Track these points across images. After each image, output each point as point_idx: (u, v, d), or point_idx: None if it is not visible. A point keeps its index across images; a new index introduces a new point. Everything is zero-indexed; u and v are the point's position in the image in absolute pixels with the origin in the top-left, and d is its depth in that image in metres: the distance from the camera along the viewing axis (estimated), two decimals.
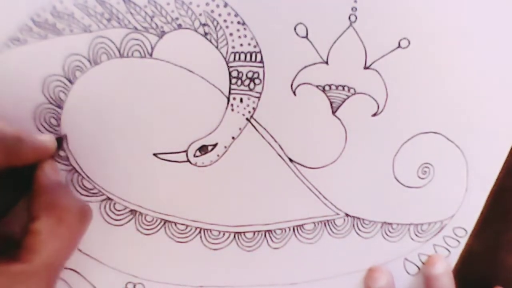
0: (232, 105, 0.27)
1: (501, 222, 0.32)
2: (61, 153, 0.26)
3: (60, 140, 0.26)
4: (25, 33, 0.25)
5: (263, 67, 0.27)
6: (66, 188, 0.25)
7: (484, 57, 0.28)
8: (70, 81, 0.25)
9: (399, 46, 0.27)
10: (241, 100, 0.27)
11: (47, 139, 0.24)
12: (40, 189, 0.23)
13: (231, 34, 0.26)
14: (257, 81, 0.27)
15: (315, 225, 0.30)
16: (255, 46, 0.26)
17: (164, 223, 0.28)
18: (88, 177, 0.27)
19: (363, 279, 0.32)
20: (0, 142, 0.21)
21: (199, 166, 0.28)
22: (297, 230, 0.30)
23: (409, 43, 0.27)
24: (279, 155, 0.28)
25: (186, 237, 0.29)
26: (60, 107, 0.26)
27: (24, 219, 0.23)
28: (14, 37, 0.25)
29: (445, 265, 0.32)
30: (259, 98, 0.27)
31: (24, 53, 0.25)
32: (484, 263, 0.33)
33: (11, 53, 0.25)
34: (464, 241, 0.32)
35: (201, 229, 0.29)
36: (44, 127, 0.26)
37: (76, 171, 0.27)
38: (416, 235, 0.31)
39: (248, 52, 0.26)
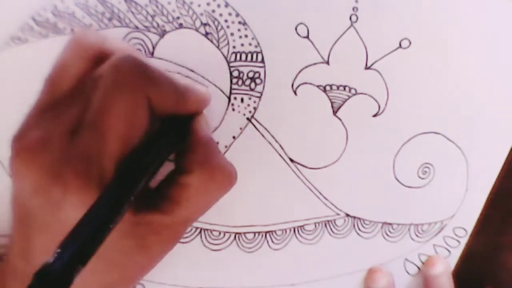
0: (232, 104, 0.27)
1: (501, 222, 0.32)
2: None
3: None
4: (26, 32, 0.25)
5: (264, 67, 0.27)
6: (217, 145, 0.24)
7: (484, 57, 0.28)
8: None
9: (400, 46, 0.27)
10: (242, 100, 0.27)
11: (205, 91, 0.24)
12: (197, 142, 0.22)
13: (232, 34, 0.26)
14: (258, 81, 0.27)
15: (315, 226, 0.30)
16: (256, 46, 0.26)
17: None
18: None
19: (363, 279, 0.32)
20: (174, 91, 0.21)
21: None
22: (298, 230, 0.30)
23: (410, 43, 0.27)
24: (280, 155, 0.28)
25: (187, 237, 0.29)
26: None
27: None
28: (15, 36, 0.25)
29: (445, 265, 0.32)
30: (260, 98, 0.27)
31: (25, 52, 0.25)
32: (484, 263, 0.33)
33: (12, 52, 0.25)
34: (464, 241, 0.32)
35: (201, 229, 0.29)
36: None
37: None
38: (416, 235, 0.31)
39: (249, 52, 0.26)
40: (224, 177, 0.23)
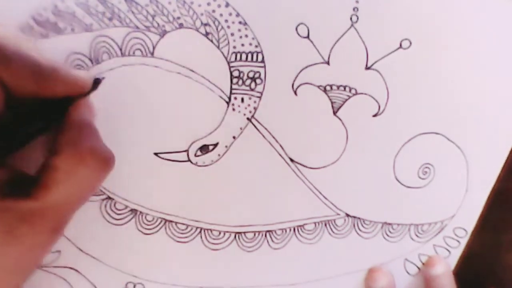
0: (233, 104, 0.27)
1: (501, 222, 0.32)
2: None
3: (98, 82, 0.23)
4: (27, 31, 0.25)
5: (264, 67, 0.27)
6: (94, 129, 0.23)
7: (485, 58, 0.28)
8: None
9: (400, 46, 0.27)
10: (242, 100, 0.27)
11: (83, 75, 0.22)
12: (69, 124, 0.22)
13: (232, 34, 0.26)
14: (258, 81, 0.27)
15: (315, 225, 0.30)
16: (256, 46, 0.26)
17: (165, 222, 0.28)
18: None
19: (363, 279, 0.32)
20: (32, 68, 0.20)
21: (200, 166, 0.28)
22: (298, 230, 0.30)
23: (410, 43, 0.27)
24: (280, 155, 0.28)
25: (187, 237, 0.29)
26: None
27: (41, 157, 0.22)
28: None
29: (445, 265, 0.32)
30: (260, 98, 0.27)
31: None
32: (484, 263, 0.33)
33: None
34: (464, 241, 0.32)
35: (201, 229, 0.29)
36: None
37: None
38: (417, 235, 0.31)
39: (249, 52, 0.26)
40: (96, 161, 0.22)
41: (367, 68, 0.27)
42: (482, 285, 0.34)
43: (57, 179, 0.21)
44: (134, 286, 0.29)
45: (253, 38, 0.26)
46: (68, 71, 0.22)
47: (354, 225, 0.30)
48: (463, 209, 0.31)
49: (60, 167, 0.21)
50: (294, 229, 0.30)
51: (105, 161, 0.22)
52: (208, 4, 0.25)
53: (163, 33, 0.25)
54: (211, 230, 0.29)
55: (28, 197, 0.20)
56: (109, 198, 0.28)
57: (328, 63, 0.27)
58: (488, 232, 0.32)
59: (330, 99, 0.28)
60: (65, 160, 0.21)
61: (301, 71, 0.27)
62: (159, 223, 0.28)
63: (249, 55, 0.26)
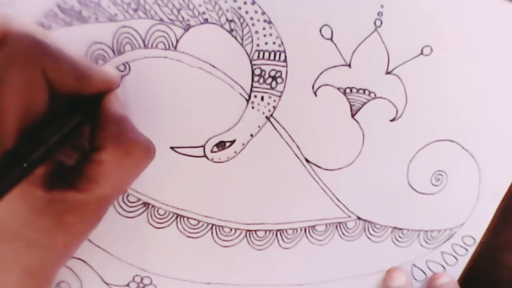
0: (252, 102, 0.27)
1: (501, 222, 0.32)
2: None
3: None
4: (50, 19, 0.24)
5: (286, 66, 0.27)
6: (131, 121, 0.24)
7: (503, 69, 0.28)
8: None
9: (421, 53, 0.27)
10: (262, 98, 0.27)
11: (114, 72, 0.24)
12: (108, 119, 0.22)
13: (256, 32, 0.26)
14: (279, 80, 0.27)
15: (326, 227, 0.30)
16: (279, 45, 0.26)
17: (177, 217, 0.28)
18: None
19: (370, 282, 0.32)
20: (74, 66, 0.21)
21: (215, 162, 0.28)
22: (309, 231, 0.30)
23: (431, 50, 0.27)
24: (296, 155, 0.28)
25: (198, 232, 0.29)
26: None
27: (82, 147, 0.23)
28: (38, 22, 0.24)
29: (450, 277, 0.32)
30: (280, 97, 0.27)
31: None
32: (484, 263, 0.34)
33: None
34: (472, 249, 0.32)
35: (213, 225, 0.29)
36: None
37: None
38: (426, 241, 0.32)
39: (272, 50, 0.26)
40: (139, 151, 0.23)
41: (388, 73, 0.28)
42: (482, 285, 0.34)
43: (105, 172, 0.22)
44: (142, 279, 0.29)
45: (277, 37, 0.26)
46: (101, 69, 0.23)
47: (364, 229, 0.31)
48: (473, 217, 0.31)
49: (107, 161, 0.22)
50: (305, 230, 0.30)
51: (148, 149, 0.23)
52: (235, 0, 0.25)
53: (187, 27, 0.25)
54: (222, 226, 0.29)
55: (76, 189, 0.22)
56: None
57: (349, 65, 0.27)
58: (488, 232, 0.32)
59: (349, 102, 0.28)
60: (112, 154, 0.22)
61: (322, 72, 0.27)
62: (171, 218, 0.28)
63: (272, 54, 0.26)
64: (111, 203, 0.24)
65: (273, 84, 0.27)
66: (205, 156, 0.27)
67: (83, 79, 0.22)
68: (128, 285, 0.29)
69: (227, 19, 0.25)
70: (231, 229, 0.29)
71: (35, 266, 0.23)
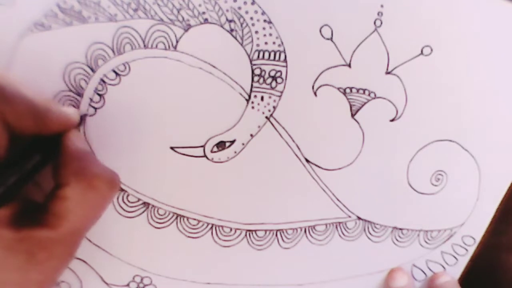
0: (252, 102, 0.27)
1: (501, 222, 0.32)
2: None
3: (84, 117, 0.26)
4: (50, 19, 0.24)
5: (286, 66, 0.27)
6: (94, 156, 0.25)
7: (503, 69, 0.28)
8: (92, 70, 0.25)
9: (421, 53, 0.27)
10: (262, 98, 0.27)
11: (72, 112, 0.24)
12: (69, 155, 0.23)
13: (256, 32, 0.26)
14: (279, 80, 0.27)
15: (326, 227, 0.30)
16: (279, 45, 0.26)
17: (177, 217, 0.28)
18: None
19: (370, 282, 0.32)
20: (31, 108, 0.21)
21: (215, 162, 0.28)
22: (309, 231, 0.30)
23: (431, 50, 0.27)
24: (296, 155, 0.28)
25: (198, 232, 0.29)
26: (80, 95, 0.26)
27: (49, 185, 0.23)
28: (38, 22, 0.24)
29: (450, 276, 0.32)
30: (280, 97, 0.27)
31: (47, 39, 0.25)
32: (484, 263, 0.34)
33: (34, 39, 0.25)
34: (472, 249, 0.32)
35: (213, 225, 0.29)
36: None
37: None
38: (426, 241, 0.32)
39: (272, 50, 0.26)
40: (102, 184, 0.23)
41: (388, 72, 0.28)
42: (482, 285, 0.34)
43: (69, 208, 0.22)
44: (142, 279, 0.29)
45: (277, 37, 0.26)
46: (59, 108, 0.23)
47: (364, 229, 0.31)
48: (472, 217, 0.31)
49: (70, 197, 0.22)
50: (305, 230, 0.30)
51: (111, 182, 0.24)
52: (234, 0, 0.25)
53: (187, 27, 0.25)
54: (222, 226, 0.29)
55: (44, 226, 0.22)
56: (122, 190, 0.27)
57: (349, 65, 0.27)
58: (488, 232, 0.32)
59: (349, 102, 0.28)
60: (74, 190, 0.22)
61: (322, 72, 0.27)
62: (171, 218, 0.28)
63: (272, 54, 0.26)
64: (82, 236, 0.24)
65: (273, 84, 0.27)
66: (205, 156, 0.27)
67: (41, 121, 0.22)
68: (128, 285, 0.29)
69: (227, 19, 0.25)
70: (231, 229, 0.29)
71: None
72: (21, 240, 0.21)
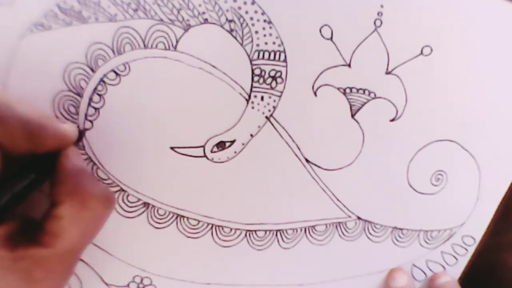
0: (252, 102, 0.27)
1: (501, 222, 0.32)
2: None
3: (80, 133, 0.26)
4: (50, 19, 0.24)
5: (286, 66, 0.27)
6: (90, 174, 0.24)
7: (503, 69, 0.28)
8: (92, 70, 0.25)
9: (421, 53, 0.27)
10: (262, 98, 0.27)
11: (69, 129, 0.24)
12: (64, 174, 0.23)
13: (256, 32, 0.26)
14: (279, 80, 0.27)
15: (326, 227, 0.30)
16: (279, 45, 0.26)
17: (177, 217, 0.28)
18: (103, 167, 0.27)
19: (370, 282, 0.32)
20: (24, 128, 0.21)
21: (215, 162, 0.28)
22: (309, 231, 0.30)
23: (431, 50, 0.27)
24: (296, 155, 0.28)
25: (198, 232, 0.29)
26: (80, 95, 0.26)
27: (45, 203, 0.23)
28: (38, 23, 0.24)
29: (450, 276, 0.32)
30: (280, 97, 0.27)
31: (47, 39, 0.25)
32: (484, 263, 0.34)
33: (34, 39, 0.25)
34: (472, 249, 0.32)
35: (213, 225, 0.29)
36: (63, 115, 0.26)
37: (91, 160, 0.27)
38: (426, 241, 0.32)
39: (272, 50, 0.26)
40: (97, 203, 0.23)
41: (387, 73, 0.28)
42: (482, 285, 0.34)
43: (64, 226, 0.22)
44: (142, 279, 0.29)
45: (277, 37, 0.26)
46: (55, 125, 0.23)
47: (364, 229, 0.31)
48: (472, 217, 0.31)
49: (64, 216, 0.22)
50: (305, 230, 0.30)
51: (106, 201, 0.24)
52: (234, 0, 0.25)
53: (187, 27, 0.25)
54: (222, 227, 0.29)
55: (40, 245, 0.22)
56: (122, 190, 0.27)
57: (349, 65, 0.27)
58: (488, 232, 0.32)
59: (349, 102, 0.28)
60: (69, 208, 0.22)
61: (322, 72, 0.27)
62: (171, 218, 0.28)
63: (272, 54, 0.26)
64: (79, 254, 0.24)
65: (273, 84, 0.27)
66: (205, 156, 0.27)
67: (35, 140, 0.22)
68: (128, 285, 0.29)
69: (227, 19, 0.25)
70: (231, 229, 0.29)
71: None
72: (17, 259, 0.21)
